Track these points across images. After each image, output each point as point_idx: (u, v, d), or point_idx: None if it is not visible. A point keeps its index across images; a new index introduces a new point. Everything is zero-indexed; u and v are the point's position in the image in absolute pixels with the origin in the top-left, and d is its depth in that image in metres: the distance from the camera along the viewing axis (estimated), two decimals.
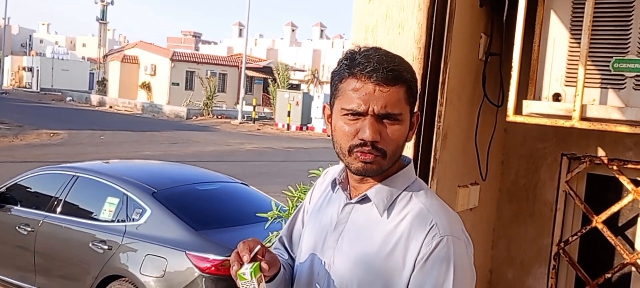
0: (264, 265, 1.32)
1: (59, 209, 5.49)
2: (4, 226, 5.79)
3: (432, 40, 2.10)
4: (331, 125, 1.40)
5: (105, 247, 5.00)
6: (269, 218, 4.31)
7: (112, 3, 53.57)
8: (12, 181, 6.08)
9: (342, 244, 1.40)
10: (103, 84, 45.67)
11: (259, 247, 1.33)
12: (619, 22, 2.14)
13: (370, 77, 1.31)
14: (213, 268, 4.53)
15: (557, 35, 2.25)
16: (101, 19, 52.87)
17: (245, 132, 26.07)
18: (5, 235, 5.75)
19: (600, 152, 2.62)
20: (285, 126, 28.60)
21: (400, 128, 1.34)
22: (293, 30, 73.44)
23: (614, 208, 2.58)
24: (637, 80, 2.12)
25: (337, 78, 1.38)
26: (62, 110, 32.18)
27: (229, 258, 1.33)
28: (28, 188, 6.04)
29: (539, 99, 2.28)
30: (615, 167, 2.57)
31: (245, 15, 32.98)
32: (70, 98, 41.99)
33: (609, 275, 2.62)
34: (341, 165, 1.48)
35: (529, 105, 2.27)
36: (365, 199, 1.40)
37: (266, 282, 1.34)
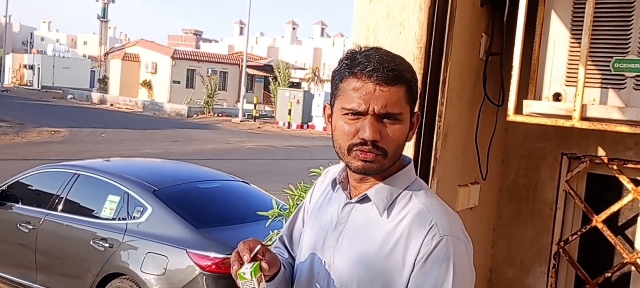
0: (264, 265, 1.33)
1: (60, 207, 5.50)
2: (5, 224, 5.80)
3: (433, 40, 2.10)
4: (331, 125, 1.41)
5: (106, 244, 5.01)
6: (270, 216, 4.31)
7: (113, 1, 53.54)
8: (14, 179, 6.09)
9: (342, 244, 1.41)
10: (104, 81, 45.69)
11: (259, 246, 1.34)
12: (619, 22, 2.14)
13: (371, 76, 1.31)
14: (214, 266, 4.54)
15: (558, 35, 2.25)
16: (102, 17, 52.87)
17: (246, 130, 26.08)
18: (7, 233, 5.76)
19: (601, 152, 2.62)
20: (286, 124, 28.60)
21: (401, 128, 1.35)
22: (294, 29, 73.37)
23: (614, 207, 2.58)
24: (637, 80, 2.13)
25: (338, 77, 1.38)
26: (63, 108, 32.20)
27: (229, 256, 1.34)
28: (29, 186, 6.05)
29: (540, 98, 2.29)
30: (615, 167, 2.58)
31: (246, 14, 32.99)
32: (71, 96, 42.01)
33: (609, 275, 2.62)
34: (341, 165, 1.48)
35: (529, 105, 2.27)
36: (365, 199, 1.40)
37: (266, 282, 1.34)
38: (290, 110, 28.56)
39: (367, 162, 1.34)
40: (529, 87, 2.31)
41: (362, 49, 1.37)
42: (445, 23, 2.13)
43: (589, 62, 2.13)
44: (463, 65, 2.31)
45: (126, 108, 35.56)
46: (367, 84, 1.32)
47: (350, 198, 1.43)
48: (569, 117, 2.17)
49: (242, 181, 6.42)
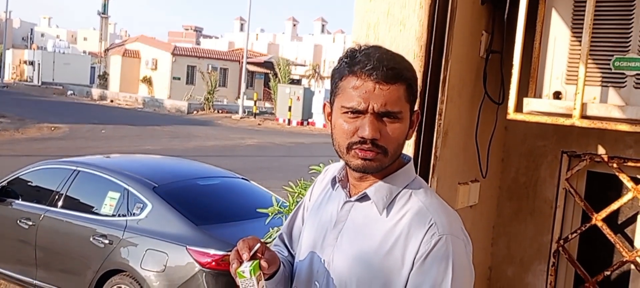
0: (264, 264, 1.33)
1: (60, 203, 5.50)
2: (5, 220, 5.80)
3: (433, 38, 2.10)
4: (331, 123, 1.40)
5: (106, 241, 5.01)
6: (270, 213, 4.31)
7: None
8: (13, 175, 6.09)
9: (341, 242, 1.41)
10: (104, 78, 45.68)
11: (258, 245, 1.34)
12: (620, 20, 2.14)
13: (371, 75, 1.31)
14: (213, 263, 4.54)
15: (558, 33, 2.25)
16: (102, 13, 52.84)
17: (246, 127, 26.07)
18: (7, 229, 5.76)
19: (601, 150, 2.62)
20: (286, 121, 28.60)
21: (400, 126, 1.34)
22: (294, 25, 73.30)
23: (614, 206, 2.58)
24: (637, 78, 2.12)
25: (338, 76, 1.38)
26: (63, 104, 32.19)
27: (229, 253, 1.34)
28: (29, 182, 6.04)
29: (540, 96, 2.29)
30: (615, 165, 2.58)
31: (247, 10, 32.98)
32: (72, 92, 41.99)
33: (608, 273, 2.63)
34: (341, 163, 1.48)
35: (529, 103, 2.27)
36: (364, 197, 1.40)
37: (266, 280, 1.34)
38: (290, 107, 28.55)
39: (367, 160, 1.33)
40: (529, 85, 2.31)
41: (362, 48, 1.37)
42: (445, 21, 2.12)
43: (589, 61, 2.13)
44: (463, 63, 2.31)
45: (126, 104, 35.55)
46: (366, 82, 1.32)
47: (350, 196, 1.43)
48: (569, 116, 2.17)
49: (242, 178, 6.42)
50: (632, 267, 2.59)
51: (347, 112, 1.34)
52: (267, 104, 37.51)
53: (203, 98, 33.48)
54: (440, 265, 1.30)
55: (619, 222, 2.67)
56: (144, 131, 21.14)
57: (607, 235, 2.58)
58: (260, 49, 57.78)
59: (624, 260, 2.57)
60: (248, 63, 35.10)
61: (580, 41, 2.14)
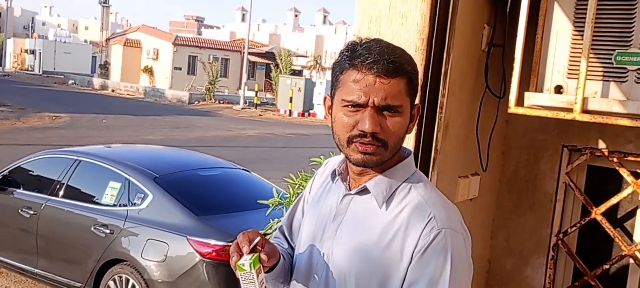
0: (263, 257, 1.33)
1: (61, 193, 5.52)
2: (6, 209, 5.82)
3: (435, 31, 2.10)
4: (331, 116, 1.41)
5: (107, 231, 5.03)
6: (270, 205, 4.32)
7: None
8: (15, 164, 6.10)
9: (340, 235, 1.41)
10: (105, 67, 45.63)
11: (258, 238, 1.34)
12: (622, 15, 2.13)
13: (371, 68, 1.31)
14: (214, 253, 4.55)
15: (560, 27, 2.24)
16: (104, 2, 52.65)
17: (247, 118, 26.07)
18: (8, 218, 5.78)
19: (601, 144, 2.63)
20: (287, 112, 28.58)
21: (401, 120, 1.35)
22: (296, 16, 73.10)
23: (614, 200, 2.59)
24: (639, 73, 2.12)
25: (338, 69, 1.38)
26: (65, 94, 32.19)
27: (229, 244, 1.34)
28: (30, 171, 6.06)
29: (541, 91, 2.29)
30: (615, 159, 2.58)
31: (248, 0, 32.86)
32: (73, 81, 41.96)
33: (607, 267, 2.64)
34: (342, 156, 1.49)
35: (530, 97, 2.27)
36: (364, 191, 1.40)
37: (265, 273, 1.35)
38: (291, 98, 28.52)
39: (367, 154, 1.34)
40: (531, 79, 2.31)
41: (363, 41, 1.37)
42: (447, 14, 2.12)
43: (591, 55, 2.12)
44: (465, 56, 2.31)
45: (127, 94, 35.54)
46: (367, 76, 1.31)
47: (350, 189, 1.44)
48: (570, 110, 2.17)
49: (243, 169, 6.43)
50: (631, 261, 2.60)
51: (347, 106, 1.34)
52: (268, 95, 37.47)
53: (204, 88, 33.45)
54: (438, 258, 1.30)
55: (619, 216, 2.68)
56: (145, 121, 21.15)
57: (607, 229, 2.59)
58: (261, 40, 57.70)
59: (623, 254, 2.58)
60: (249, 53, 35.05)
61: (582, 35, 2.14)
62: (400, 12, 2.11)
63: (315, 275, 1.45)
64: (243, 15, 67.12)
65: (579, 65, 2.13)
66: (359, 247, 1.37)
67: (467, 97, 2.42)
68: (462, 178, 2.49)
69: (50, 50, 53.25)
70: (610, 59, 2.16)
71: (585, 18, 2.11)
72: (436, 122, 2.16)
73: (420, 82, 1.47)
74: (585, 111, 2.15)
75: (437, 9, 2.09)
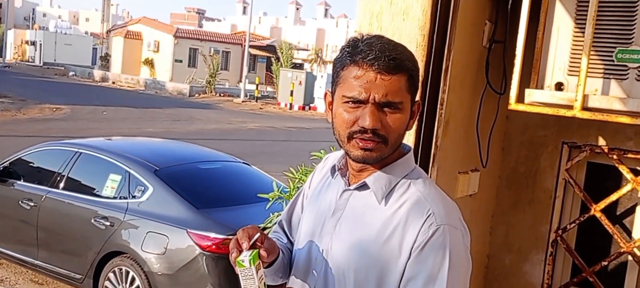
0: (263, 253, 1.34)
1: (61, 185, 5.52)
2: (7, 201, 5.83)
3: (436, 27, 2.10)
4: (332, 112, 1.41)
5: (107, 223, 5.04)
6: (270, 199, 4.33)
7: None
8: (16, 156, 6.11)
9: (339, 230, 1.42)
10: (106, 59, 45.57)
11: (258, 234, 1.35)
12: (623, 12, 2.13)
13: (372, 65, 1.31)
14: (214, 246, 4.56)
15: (562, 24, 2.24)
16: None
17: (247, 111, 26.06)
18: (8, 210, 5.79)
19: (601, 141, 2.63)
20: (288, 105, 28.56)
21: (401, 116, 1.35)
22: (297, 9, 72.97)
23: (613, 197, 2.60)
24: (639, 71, 2.12)
25: (339, 65, 1.38)
26: (65, 85, 32.17)
27: (229, 237, 1.35)
28: (31, 163, 6.06)
29: (542, 87, 2.29)
30: (615, 157, 2.59)
31: None
32: (73, 73, 41.92)
33: (606, 263, 2.65)
34: (341, 152, 1.49)
35: (531, 94, 2.27)
36: (363, 186, 1.41)
37: (265, 268, 1.35)
38: (292, 92, 28.49)
39: (367, 150, 1.34)
40: (532, 75, 2.31)
41: (364, 37, 1.37)
42: (448, 10, 2.12)
43: (592, 52, 2.13)
44: (466, 52, 2.31)
45: (128, 86, 35.51)
46: (368, 72, 1.32)
47: (349, 185, 1.44)
48: (570, 107, 2.17)
49: (243, 162, 6.43)
50: (629, 257, 2.61)
51: (348, 102, 1.34)
52: (269, 88, 37.43)
53: (205, 81, 33.41)
54: (437, 254, 1.31)
55: (618, 213, 2.68)
56: (146, 113, 21.15)
57: (606, 226, 2.60)
58: (262, 33, 57.61)
59: (622, 250, 2.59)
60: (250, 46, 35.01)
61: (583, 32, 2.14)
62: (402, 8, 2.11)
63: (314, 271, 1.45)
64: (244, 8, 67.00)
65: (579, 63, 2.13)
66: (357, 243, 1.37)
67: (468, 94, 2.42)
68: (462, 174, 2.50)
69: (51, 41, 53.16)
70: (611, 56, 2.16)
71: (586, 15, 2.11)
72: (436, 118, 2.16)
73: (421, 78, 1.47)
74: (585, 108, 2.15)
75: (439, 5, 2.09)
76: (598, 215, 2.62)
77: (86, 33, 68.07)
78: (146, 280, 4.76)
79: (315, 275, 1.44)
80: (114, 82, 37.12)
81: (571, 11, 2.22)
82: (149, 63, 42.12)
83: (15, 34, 58.74)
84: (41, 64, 49.87)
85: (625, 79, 2.15)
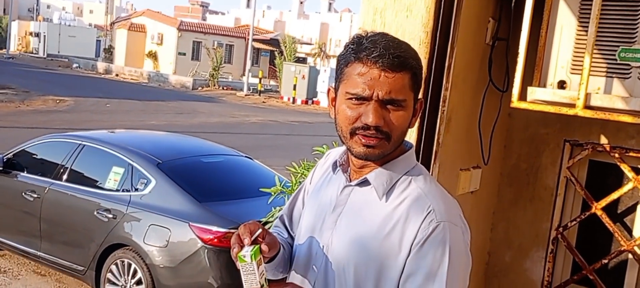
0: (264, 247, 1.34)
1: (64, 177, 5.55)
2: (10, 192, 5.86)
3: (439, 24, 2.10)
4: (335, 108, 1.42)
5: (110, 215, 5.06)
6: (272, 193, 4.34)
7: None
8: (19, 147, 6.13)
9: (340, 226, 1.42)
10: (110, 51, 45.59)
11: (260, 230, 1.36)
12: (626, 12, 2.13)
13: (376, 62, 1.32)
14: (215, 240, 4.58)
15: (565, 22, 2.24)
16: None
17: (250, 104, 26.07)
18: (12, 201, 5.82)
19: (603, 140, 2.64)
20: (291, 99, 28.56)
21: (404, 114, 1.35)
22: (301, 3, 72.86)
23: (614, 195, 2.60)
24: None
25: (343, 62, 1.39)
26: (69, 77, 32.20)
27: (231, 230, 1.36)
28: (34, 155, 6.09)
29: (544, 85, 2.29)
30: (617, 155, 2.59)
31: None
32: (77, 65, 41.94)
33: (606, 261, 2.65)
34: (343, 147, 1.50)
35: (533, 92, 2.28)
36: (364, 182, 1.42)
37: (266, 263, 1.36)
38: (295, 86, 28.48)
39: (369, 147, 1.35)
40: (534, 73, 2.31)
41: (369, 34, 1.38)
42: (452, 7, 2.12)
43: (595, 51, 2.13)
44: (469, 49, 2.31)
45: (131, 79, 35.53)
46: (372, 69, 1.32)
47: (350, 181, 1.45)
48: (572, 105, 2.18)
49: (246, 156, 6.45)
50: (630, 256, 2.62)
51: (351, 98, 1.35)
52: (272, 82, 37.41)
53: (208, 74, 33.41)
54: (437, 251, 1.31)
55: (619, 212, 2.69)
56: (149, 106, 21.17)
57: (606, 224, 2.61)
58: (266, 26, 57.54)
59: (622, 249, 2.59)
60: (254, 40, 34.97)
61: (586, 31, 2.14)
62: (405, 5, 2.12)
63: (314, 266, 1.46)
64: (248, 1, 66.95)
65: (582, 61, 2.14)
66: (357, 238, 1.38)
67: (470, 90, 2.42)
68: (464, 171, 2.50)
69: (55, 33, 53.15)
70: (614, 55, 2.16)
71: (590, 14, 2.11)
72: (439, 115, 2.17)
73: (423, 76, 1.48)
74: (587, 107, 2.15)
75: (442, 2, 2.09)
76: (599, 213, 2.63)
77: (90, 25, 68.07)
78: (148, 273, 4.79)
79: (316, 270, 1.45)
80: (117, 75, 37.14)
81: (574, 9, 2.22)
82: (153, 56, 42.12)
83: (19, 25, 58.74)
84: (45, 56, 49.87)
85: (627, 78, 2.15)
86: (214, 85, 32.54)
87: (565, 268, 2.82)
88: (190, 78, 33.56)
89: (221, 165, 6.00)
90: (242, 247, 1.33)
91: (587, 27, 2.13)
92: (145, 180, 5.10)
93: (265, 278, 1.32)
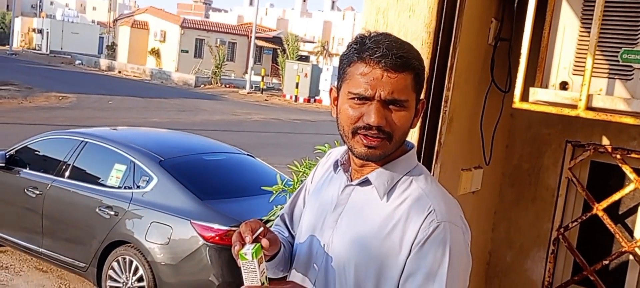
0: (265, 242, 1.35)
1: (67, 174, 5.56)
2: (12, 188, 5.87)
3: (442, 25, 2.11)
4: (337, 108, 1.42)
5: (112, 212, 5.08)
6: (274, 191, 4.35)
7: None
8: (22, 144, 6.15)
9: (340, 225, 1.43)
10: (112, 48, 45.65)
11: (261, 228, 1.36)
12: (629, 13, 2.13)
13: (379, 62, 1.32)
14: (217, 237, 4.59)
15: (568, 23, 2.24)
16: None
17: (252, 102, 26.08)
18: (14, 197, 5.84)
19: (605, 141, 2.64)
20: (293, 97, 28.57)
21: (406, 114, 1.36)
22: (304, 1, 72.78)
23: (616, 196, 2.60)
24: None
25: (346, 62, 1.39)
26: (71, 74, 32.24)
27: (233, 228, 1.37)
28: (37, 151, 6.10)
29: (546, 86, 2.29)
30: (618, 156, 2.59)
31: None
32: (80, 61, 42.00)
33: (607, 262, 2.66)
34: (345, 147, 1.50)
35: (535, 93, 2.28)
36: (366, 182, 1.42)
37: (266, 261, 1.37)
38: (297, 84, 28.49)
39: (371, 148, 1.35)
40: (537, 74, 2.31)
41: (372, 34, 1.38)
42: (455, 8, 2.12)
43: (597, 52, 2.13)
44: (471, 50, 2.32)
45: (134, 76, 35.56)
46: (374, 69, 1.33)
47: (351, 180, 1.45)
48: (574, 107, 2.18)
49: (248, 154, 6.46)
50: (631, 257, 2.62)
51: (353, 98, 1.35)
52: (275, 80, 37.43)
53: (210, 72, 33.44)
54: (437, 251, 1.32)
55: (620, 213, 2.69)
56: (151, 103, 21.19)
57: (608, 225, 2.61)
58: (269, 24, 57.55)
59: (623, 250, 2.59)
60: (257, 38, 34.97)
61: (589, 32, 2.14)
62: (408, 5, 2.12)
63: (314, 265, 1.46)
64: None
65: (585, 62, 2.14)
66: (358, 237, 1.39)
67: (473, 91, 2.42)
68: (465, 171, 2.50)
69: (58, 30, 53.20)
70: (616, 56, 2.16)
71: (592, 15, 2.11)
72: (441, 115, 2.17)
73: (425, 76, 1.48)
74: (589, 108, 2.15)
75: (445, 3, 2.09)
76: (600, 214, 2.63)
77: (93, 22, 68.15)
78: (149, 270, 4.80)
79: (316, 269, 1.46)
80: (120, 72, 37.18)
81: (577, 10, 2.22)
82: (155, 53, 42.16)
83: (23, 22, 58.81)
84: (48, 52, 49.92)
85: (629, 80, 2.15)
86: (217, 83, 32.56)
87: (566, 268, 2.82)
88: (192, 75, 33.58)
89: (223, 163, 6.01)
90: (243, 245, 1.34)
91: (590, 28, 2.13)
92: (147, 178, 5.11)
93: (265, 277, 1.32)
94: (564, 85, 2.26)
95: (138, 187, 5.12)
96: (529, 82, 2.29)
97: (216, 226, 4.63)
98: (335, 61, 36.28)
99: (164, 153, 5.39)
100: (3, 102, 17.92)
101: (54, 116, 15.64)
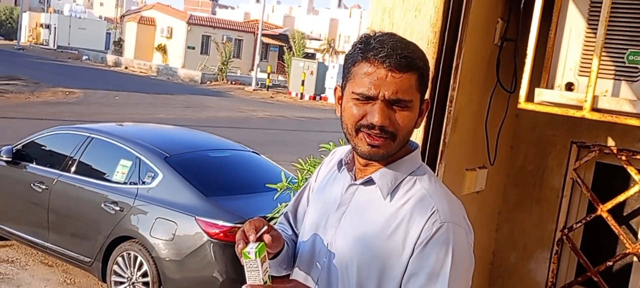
0: (267, 238, 1.35)
1: (73, 169, 5.59)
2: (19, 183, 5.91)
3: (448, 25, 2.10)
4: (341, 107, 1.42)
5: (117, 208, 5.10)
6: (278, 189, 4.36)
7: None
8: (28, 139, 6.18)
9: (344, 224, 1.43)
10: (119, 44, 45.77)
11: (265, 227, 1.37)
12: (636, 15, 2.13)
13: (383, 62, 1.32)
14: (221, 234, 4.61)
15: (574, 24, 2.24)
16: None
17: (258, 99, 26.10)
18: (20, 192, 5.87)
19: (610, 142, 2.63)
20: (299, 95, 28.57)
21: (410, 114, 1.36)
22: None
23: (620, 198, 2.60)
24: None
25: (350, 61, 1.39)
26: (78, 69, 32.35)
27: (237, 225, 1.37)
28: (43, 146, 6.14)
29: (552, 87, 2.29)
30: (624, 157, 2.58)
31: None
32: (87, 57, 42.14)
33: (611, 263, 2.65)
34: (349, 146, 1.50)
35: (541, 94, 2.27)
36: (369, 181, 1.42)
37: (270, 259, 1.37)
38: (303, 81, 28.49)
39: (374, 147, 1.35)
40: (542, 75, 2.31)
41: (376, 34, 1.38)
42: (461, 7, 2.12)
43: (603, 54, 2.12)
44: (477, 50, 2.31)
45: (140, 72, 35.65)
46: (379, 69, 1.33)
47: (355, 179, 1.46)
48: (579, 108, 2.17)
49: (253, 151, 6.47)
50: (635, 259, 2.62)
51: (358, 98, 1.35)
52: (281, 77, 37.44)
53: (217, 68, 33.48)
54: (440, 251, 1.32)
55: (624, 214, 2.69)
56: (157, 99, 21.24)
57: (612, 227, 2.60)
58: (275, 21, 57.56)
59: (627, 251, 2.59)
60: (263, 35, 34.97)
61: (595, 33, 2.13)
62: (414, 5, 2.12)
63: (317, 263, 1.47)
64: None
65: (590, 63, 2.13)
66: (361, 237, 1.39)
67: (478, 91, 2.42)
68: (470, 171, 2.50)
69: (65, 25, 53.40)
70: (623, 58, 2.16)
71: (599, 16, 2.11)
72: (445, 115, 2.17)
73: (431, 75, 1.48)
74: (595, 109, 2.15)
75: (451, 2, 2.09)
76: (605, 215, 2.62)
77: (100, 17, 68.33)
78: (154, 266, 4.82)
79: (319, 267, 1.46)
80: (126, 68, 37.28)
81: (584, 12, 2.21)
82: (162, 49, 42.24)
83: (30, 17, 59.03)
84: (55, 48, 50.12)
85: (635, 81, 2.14)
86: (223, 80, 32.60)
87: (570, 269, 2.82)
88: (198, 72, 33.63)
89: (228, 160, 6.02)
90: (247, 243, 1.34)
91: (596, 29, 2.12)
92: (153, 174, 5.13)
93: (268, 275, 1.33)
94: (569, 86, 2.25)
95: (143, 182, 5.14)
96: (535, 82, 2.28)
97: (221, 223, 4.64)
98: (342, 59, 36.23)
99: (170, 150, 5.41)
100: (10, 96, 18.01)
101: (60, 111, 15.70)
